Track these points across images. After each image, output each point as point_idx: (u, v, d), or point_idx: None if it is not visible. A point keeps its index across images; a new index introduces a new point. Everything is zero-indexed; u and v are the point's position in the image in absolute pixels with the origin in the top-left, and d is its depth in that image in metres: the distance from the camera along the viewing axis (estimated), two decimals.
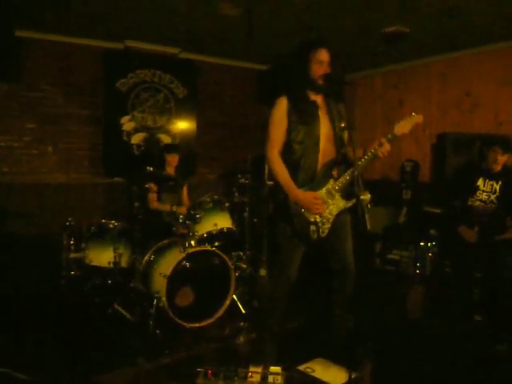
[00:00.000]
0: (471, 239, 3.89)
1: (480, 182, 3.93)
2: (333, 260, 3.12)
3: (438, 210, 5.12)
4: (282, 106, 2.93)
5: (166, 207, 4.50)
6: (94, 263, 4.07)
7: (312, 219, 2.89)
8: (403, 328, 3.97)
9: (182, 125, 6.55)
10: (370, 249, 5.81)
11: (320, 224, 2.90)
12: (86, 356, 3.27)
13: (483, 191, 3.92)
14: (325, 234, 2.92)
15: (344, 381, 2.79)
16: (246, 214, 4.79)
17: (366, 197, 2.68)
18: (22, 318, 3.92)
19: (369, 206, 2.70)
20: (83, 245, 4.20)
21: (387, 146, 2.83)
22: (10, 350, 3.33)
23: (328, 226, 2.92)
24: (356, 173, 2.74)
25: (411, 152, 6.52)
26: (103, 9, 4.67)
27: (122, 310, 3.93)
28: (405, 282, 5.27)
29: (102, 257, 4.06)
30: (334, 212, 2.94)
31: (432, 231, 5.39)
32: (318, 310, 4.14)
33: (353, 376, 2.70)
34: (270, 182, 5.79)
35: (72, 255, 4.28)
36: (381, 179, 6.82)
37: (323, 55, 2.90)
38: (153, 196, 4.56)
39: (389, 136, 2.84)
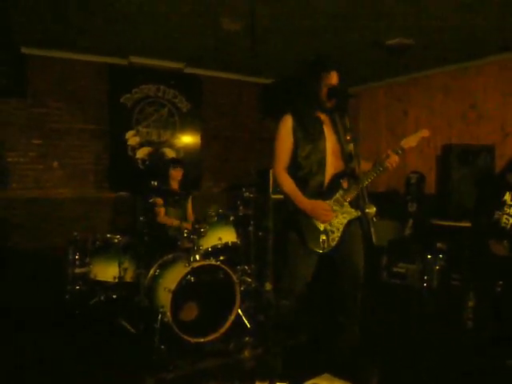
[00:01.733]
0: (502, 253, 3.82)
1: (507, 197, 3.88)
2: (341, 271, 3.09)
3: (445, 223, 5.08)
4: (287, 123, 2.95)
5: (176, 222, 4.51)
6: (99, 278, 4.06)
7: (322, 228, 2.89)
8: (410, 342, 3.92)
9: (186, 139, 6.58)
10: (376, 262, 5.76)
11: (330, 233, 2.90)
12: (90, 371, 3.24)
13: (510, 206, 3.87)
14: (335, 242, 2.91)
15: None
16: (250, 228, 4.77)
17: (372, 210, 2.65)
18: (26, 331, 3.92)
19: (374, 219, 2.67)
20: (88, 259, 4.20)
21: (395, 157, 2.86)
22: (14, 363, 3.31)
23: (338, 234, 2.92)
24: (361, 186, 2.75)
25: (416, 164, 6.50)
26: (105, 25, 4.71)
27: (126, 325, 3.91)
28: (412, 295, 5.23)
29: (107, 271, 4.05)
30: (344, 221, 2.94)
31: (439, 244, 5.34)
32: (324, 324, 4.10)
33: None
34: (275, 196, 5.79)
35: (77, 270, 4.28)
36: (386, 191, 6.79)
37: (334, 79, 2.90)
38: (160, 210, 4.57)
39: (397, 150, 2.87)
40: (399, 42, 5.05)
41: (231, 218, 4.32)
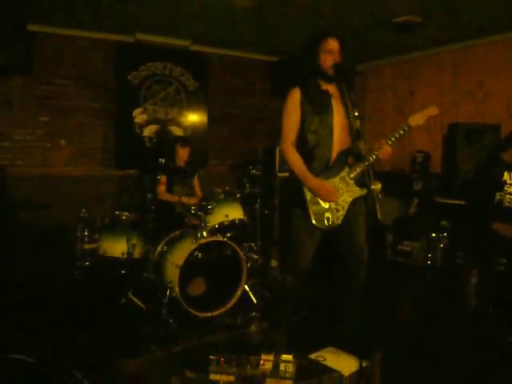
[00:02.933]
0: (509, 233, 3.79)
1: (506, 176, 3.87)
2: (345, 250, 3.11)
3: (450, 201, 5.10)
4: (294, 96, 2.95)
5: (175, 198, 4.55)
6: (108, 254, 4.11)
7: (327, 206, 2.91)
8: (414, 318, 3.99)
9: (193, 117, 6.58)
10: (381, 240, 5.81)
11: (335, 211, 2.92)
12: (99, 344, 3.32)
13: (510, 185, 3.87)
14: (339, 221, 2.93)
15: (355, 369, 2.81)
16: (257, 206, 4.81)
17: (377, 186, 2.67)
18: (36, 307, 3.99)
19: (380, 195, 2.70)
20: (97, 236, 4.26)
21: (388, 149, 2.88)
22: (26, 339, 3.39)
23: (343, 213, 2.94)
24: (366, 164, 2.77)
25: (422, 143, 6.49)
26: (112, 1, 4.69)
27: (135, 300, 3.98)
28: (416, 272, 5.29)
29: (116, 248, 4.10)
30: (349, 200, 2.95)
31: (443, 222, 5.37)
32: (329, 300, 4.17)
33: (363, 364, 2.73)
34: (281, 174, 5.82)
35: (86, 246, 4.36)
36: (391, 170, 6.79)
37: (332, 44, 2.91)
38: (161, 188, 4.59)
39: (404, 127, 2.86)
40: (407, 20, 5.01)
41: (238, 196, 4.35)
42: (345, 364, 2.93)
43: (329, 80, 2.97)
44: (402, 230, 5.81)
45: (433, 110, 2.92)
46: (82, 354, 3.16)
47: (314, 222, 2.89)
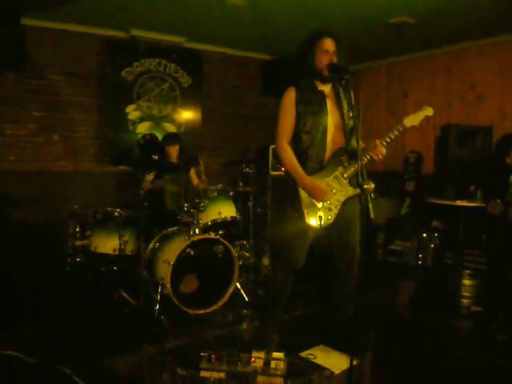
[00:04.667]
0: (496, 211, 3.90)
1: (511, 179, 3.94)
2: (337, 249, 3.13)
3: (441, 202, 5.13)
4: (290, 96, 2.97)
5: (159, 183, 4.54)
6: (100, 250, 4.11)
7: (319, 205, 2.93)
8: (404, 317, 4.02)
9: (187, 114, 6.57)
10: (372, 239, 5.84)
11: (327, 210, 2.94)
12: (91, 341, 3.32)
13: None
14: (331, 220, 2.95)
15: (345, 367, 2.83)
16: (249, 204, 4.82)
17: (370, 186, 2.70)
18: (27, 304, 3.98)
19: (372, 195, 2.72)
20: (88, 232, 4.26)
21: (382, 149, 2.90)
22: (17, 335, 3.39)
23: (336, 212, 2.95)
24: (360, 163, 2.77)
25: (415, 143, 6.53)
26: None
27: (127, 296, 3.98)
28: (406, 272, 5.33)
29: (107, 244, 4.10)
30: (342, 199, 2.97)
31: (435, 222, 5.42)
32: (320, 298, 4.19)
33: (354, 362, 2.75)
34: (274, 172, 5.83)
35: (78, 242, 4.34)
36: (384, 170, 6.83)
37: (328, 44, 2.92)
38: (149, 177, 4.51)
39: (399, 127, 2.91)
40: (402, 21, 5.03)
41: (231, 193, 4.36)
42: (335, 362, 2.96)
43: (323, 80, 2.99)
44: (394, 229, 5.84)
45: (428, 111, 2.97)
46: (71, 351, 3.16)
47: (306, 220, 2.91)
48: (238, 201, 4.52)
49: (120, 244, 4.05)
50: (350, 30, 5.46)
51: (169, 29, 5.91)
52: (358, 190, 2.94)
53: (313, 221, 2.92)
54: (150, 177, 4.51)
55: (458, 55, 6.08)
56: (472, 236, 4.70)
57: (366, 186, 2.68)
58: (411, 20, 5.00)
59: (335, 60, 2.94)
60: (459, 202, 4.47)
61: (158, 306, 3.65)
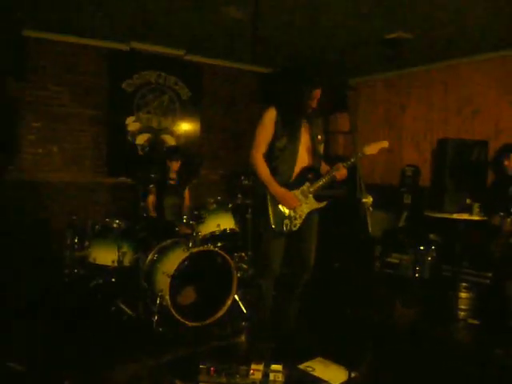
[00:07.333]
0: (497, 223, 4.01)
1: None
2: (295, 254, 3.48)
3: (438, 215, 5.16)
4: (271, 115, 3.31)
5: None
6: (98, 262, 4.08)
7: (286, 213, 3.26)
8: (402, 329, 4.03)
9: (186, 126, 6.62)
10: (370, 252, 5.86)
11: (293, 219, 3.28)
12: (90, 353, 3.31)
13: None
14: (296, 227, 3.29)
15: (343, 380, 2.84)
16: (248, 216, 4.84)
17: (368, 200, 2.74)
18: (25, 315, 3.96)
19: (370, 208, 2.75)
20: (87, 243, 4.23)
21: (344, 171, 3.29)
22: (14, 346, 3.37)
23: (300, 221, 3.30)
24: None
25: (412, 157, 6.58)
26: (107, 9, 4.70)
27: (125, 308, 3.98)
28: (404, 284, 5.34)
29: (106, 255, 4.08)
30: (306, 211, 3.33)
31: (432, 235, 5.45)
32: (318, 311, 4.20)
33: (352, 375, 2.76)
34: None
35: (76, 254, 4.32)
36: (381, 184, 6.87)
37: (317, 93, 3.29)
38: (151, 198, 4.59)
39: (359, 154, 3.22)
40: (398, 37, 5.09)
41: (230, 206, 4.38)
42: (334, 374, 2.97)
43: (306, 119, 3.40)
44: (391, 242, 5.86)
45: (384, 144, 3.35)
46: (70, 362, 3.14)
47: (273, 226, 3.22)
48: (237, 213, 4.54)
49: (118, 255, 4.04)
50: (348, 45, 5.53)
51: (168, 41, 5.97)
52: (321, 204, 3.38)
53: (279, 227, 3.24)
54: (151, 197, 4.57)
55: (454, 70, 6.15)
56: (470, 249, 4.74)
57: (364, 200, 2.73)
58: (408, 35, 5.07)
59: (316, 105, 3.36)
60: (456, 216, 4.51)
61: (156, 318, 3.65)
